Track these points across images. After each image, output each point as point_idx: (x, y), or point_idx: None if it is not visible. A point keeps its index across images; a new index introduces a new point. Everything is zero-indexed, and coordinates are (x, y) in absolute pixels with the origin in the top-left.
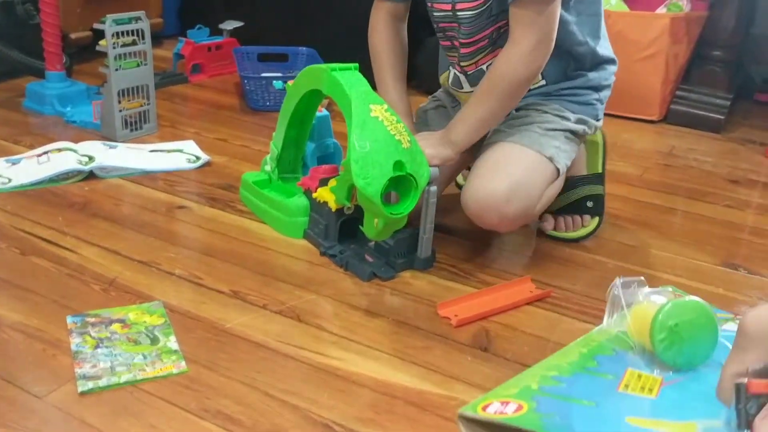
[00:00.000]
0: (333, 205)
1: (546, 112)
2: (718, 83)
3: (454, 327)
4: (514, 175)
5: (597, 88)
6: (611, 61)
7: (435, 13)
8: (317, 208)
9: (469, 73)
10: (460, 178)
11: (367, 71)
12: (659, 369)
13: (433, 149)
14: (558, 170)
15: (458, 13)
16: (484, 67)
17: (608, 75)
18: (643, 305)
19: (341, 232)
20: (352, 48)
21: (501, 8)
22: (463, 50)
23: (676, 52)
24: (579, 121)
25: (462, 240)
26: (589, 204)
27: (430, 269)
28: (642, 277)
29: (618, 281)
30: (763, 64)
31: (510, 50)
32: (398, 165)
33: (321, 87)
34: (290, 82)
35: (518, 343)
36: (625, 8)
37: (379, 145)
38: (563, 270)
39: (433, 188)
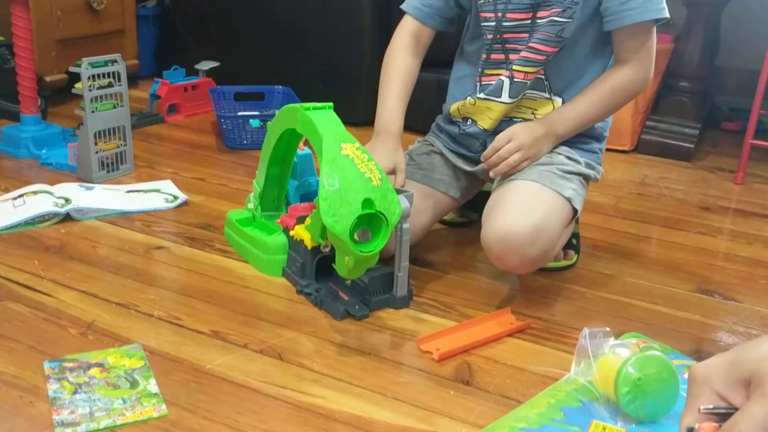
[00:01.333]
0: (309, 243)
1: (560, 154)
2: (687, 113)
3: (436, 361)
4: (538, 216)
5: (599, 138)
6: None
7: (504, 23)
8: (294, 246)
9: (516, 81)
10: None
11: (343, 109)
12: (623, 421)
13: (529, 151)
14: (574, 211)
15: (538, 21)
16: (542, 76)
17: (607, 126)
18: (609, 357)
19: (320, 269)
20: (327, 86)
21: (586, 13)
22: (524, 54)
23: None
24: (588, 166)
25: (441, 273)
26: (574, 241)
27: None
28: (608, 328)
29: (585, 331)
30: (729, 94)
31: (633, 67)
32: (367, 203)
33: (296, 126)
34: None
35: (500, 376)
36: None
37: (348, 183)
38: (542, 301)
39: (406, 225)
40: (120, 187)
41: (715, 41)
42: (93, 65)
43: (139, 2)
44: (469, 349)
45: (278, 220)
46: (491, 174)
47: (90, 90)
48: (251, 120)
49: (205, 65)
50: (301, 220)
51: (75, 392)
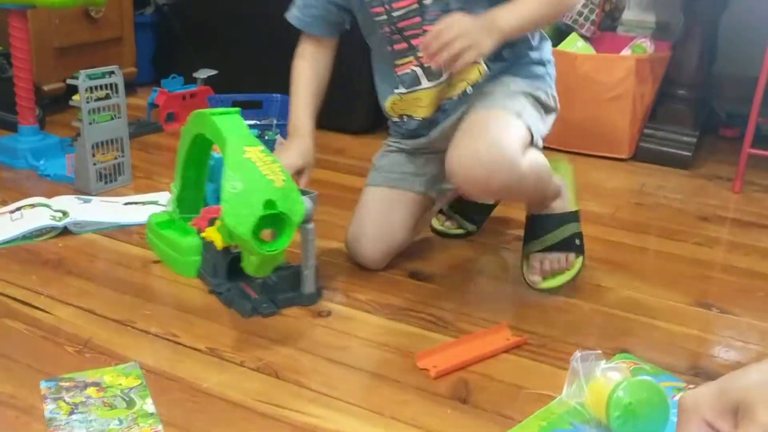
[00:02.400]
0: (219, 245)
1: (503, 83)
2: (684, 121)
3: (432, 378)
4: (489, 133)
5: (542, 62)
6: (546, 39)
7: (394, 14)
8: (207, 247)
9: (428, 65)
10: (435, 222)
11: (341, 117)
12: None
13: (471, 36)
14: (529, 129)
15: (425, 2)
16: None
17: (548, 51)
18: (600, 381)
19: (234, 269)
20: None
21: None
22: (423, 38)
23: (642, 92)
24: (534, 88)
25: (437, 286)
26: (578, 242)
27: (403, 314)
28: (599, 351)
29: (577, 354)
30: (727, 101)
31: None
32: (269, 204)
33: (204, 131)
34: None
35: (497, 393)
36: (591, 51)
37: (250, 185)
38: (539, 315)
39: (310, 226)
40: (118, 199)
41: (712, 48)
42: (90, 77)
43: (137, 10)
44: (465, 366)
45: (191, 222)
46: (431, 64)
47: (87, 102)
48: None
49: (203, 73)
50: (212, 222)
51: (71, 413)
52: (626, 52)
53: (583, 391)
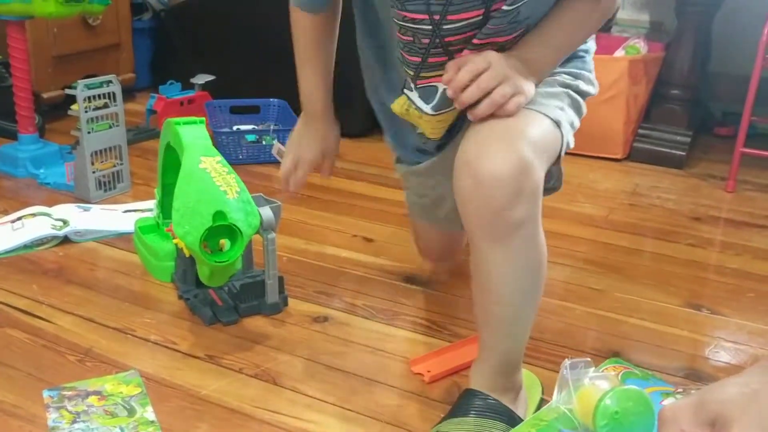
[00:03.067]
0: (186, 251)
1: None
2: (678, 121)
3: (426, 383)
4: (523, 146)
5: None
6: None
7: (445, 26)
8: (178, 253)
9: (420, 87)
10: None
11: (339, 121)
12: None
13: (511, 82)
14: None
15: (492, 14)
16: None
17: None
18: (588, 389)
19: None
20: None
21: None
22: (448, 38)
23: (636, 93)
24: (575, 75)
25: (432, 291)
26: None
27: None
28: (589, 359)
29: (566, 362)
30: (722, 100)
31: None
32: (219, 215)
33: (170, 139)
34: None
35: None
36: None
37: (201, 195)
38: None
39: (271, 235)
40: (117, 207)
41: (706, 48)
42: (88, 87)
43: (134, 16)
44: (459, 370)
45: (167, 228)
46: (456, 104)
47: (86, 111)
48: (246, 135)
49: (201, 79)
50: None
51: (74, 421)
52: (620, 53)
53: (572, 398)
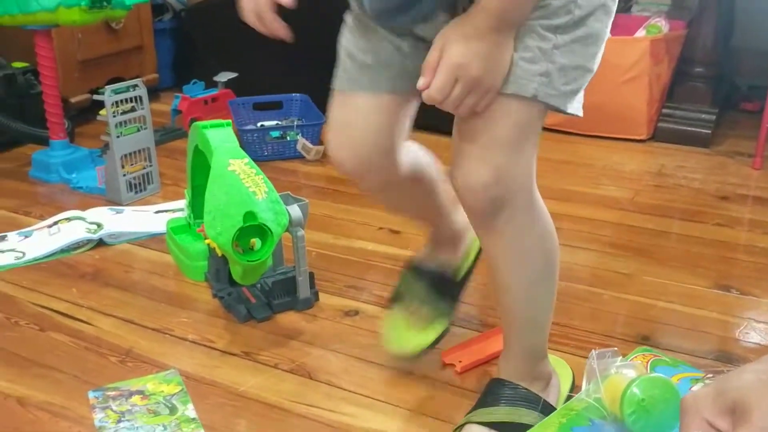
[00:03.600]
0: (219, 251)
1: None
2: (702, 99)
3: (458, 373)
4: (495, 153)
5: None
6: None
7: None
8: (211, 252)
9: None
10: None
11: None
12: None
13: (487, 88)
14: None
15: None
16: None
17: None
18: (615, 378)
19: None
20: None
21: None
22: None
23: (659, 72)
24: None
25: None
26: None
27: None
28: (616, 348)
29: (593, 353)
30: (747, 73)
31: None
32: (249, 215)
33: (198, 142)
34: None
35: None
36: None
37: (231, 197)
38: (560, 304)
39: (300, 232)
40: (149, 208)
41: (729, 23)
42: (115, 92)
43: (155, 16)
44: (490, 360)
45: (199, 229)
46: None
47: (114, 116)
48: (271, 131)
49: (224, 77)
50: None
51: (119, 421)
52: (641, 32)
53: (600, 388)
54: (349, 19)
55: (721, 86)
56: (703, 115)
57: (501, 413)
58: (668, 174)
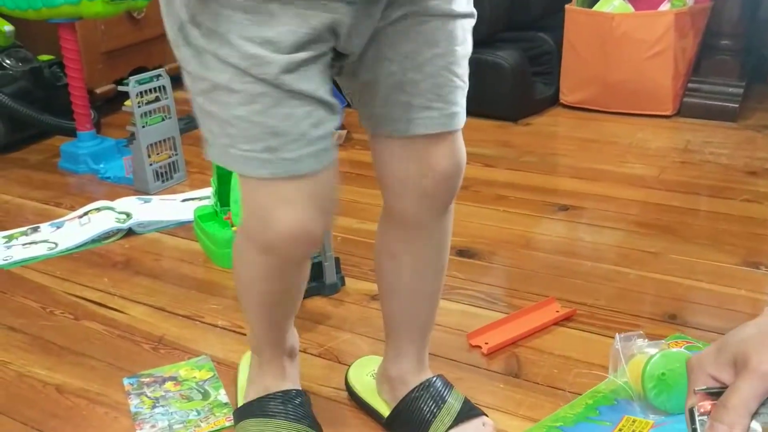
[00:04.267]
0: None
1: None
2: (729, 72)
3: (485, 355)
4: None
5: None
6: None
7: None
8: None
9: None
10: None
11: None
12: (653, 414)
13: None
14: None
15: None
16: None
17: None
18: (638, 357)
19: None
20: None
21: None
22: None
23: (684, 47)
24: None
25: (486, 264)
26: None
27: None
28: (641, 331)
29: (618, 337)
30: None
31: None
32: None
33: None
34: None
35: (547, 366)
36: (629, 9)
37: None
38: (586, 286)
39: None
40: (176, 196)
41: None
42: (139, 82)
43: None
44: (516, 341)
45: (225, 216)
46: None
47: (139, 106)
48: None
49: None
50: None
51: (154, 406)
52: (665, 6)
53: (624, 369)
54: None
55: (748, 59)
56: (730, 89)
57: (454, 406)
58: (695, 150)
